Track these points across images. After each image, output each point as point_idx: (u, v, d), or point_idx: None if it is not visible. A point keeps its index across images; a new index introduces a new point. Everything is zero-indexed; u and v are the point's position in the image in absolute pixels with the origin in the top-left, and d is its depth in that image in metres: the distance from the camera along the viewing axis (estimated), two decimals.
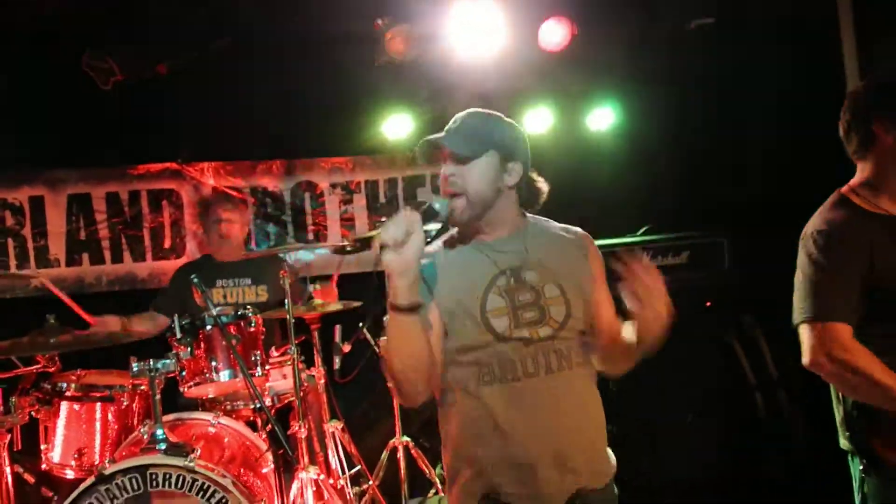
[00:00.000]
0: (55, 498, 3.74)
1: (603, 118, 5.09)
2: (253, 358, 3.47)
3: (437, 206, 2.03)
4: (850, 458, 2.38)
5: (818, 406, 2.71)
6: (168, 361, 3.13)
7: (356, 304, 3.83)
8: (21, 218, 4.95)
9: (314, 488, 3.51)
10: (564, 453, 2.02)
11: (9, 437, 3.66)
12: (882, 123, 2.32)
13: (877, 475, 2.28)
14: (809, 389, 2.84)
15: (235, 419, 3.66)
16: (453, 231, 2.17)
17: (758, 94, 4.54)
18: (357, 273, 5.27)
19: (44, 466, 3.85)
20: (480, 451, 2.04)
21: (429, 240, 1.99)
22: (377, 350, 3.96)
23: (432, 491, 4.17)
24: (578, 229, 2.22)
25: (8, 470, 3.51)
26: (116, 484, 2.90)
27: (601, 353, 2.14)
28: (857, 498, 2.36)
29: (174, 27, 4.26)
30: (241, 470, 3.32)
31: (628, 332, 2.07)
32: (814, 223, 2.37)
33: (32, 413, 3.53)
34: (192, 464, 2.92)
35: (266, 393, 3.63)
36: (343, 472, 3.96)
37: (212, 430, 3.50)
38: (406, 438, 4.08)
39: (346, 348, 3.71)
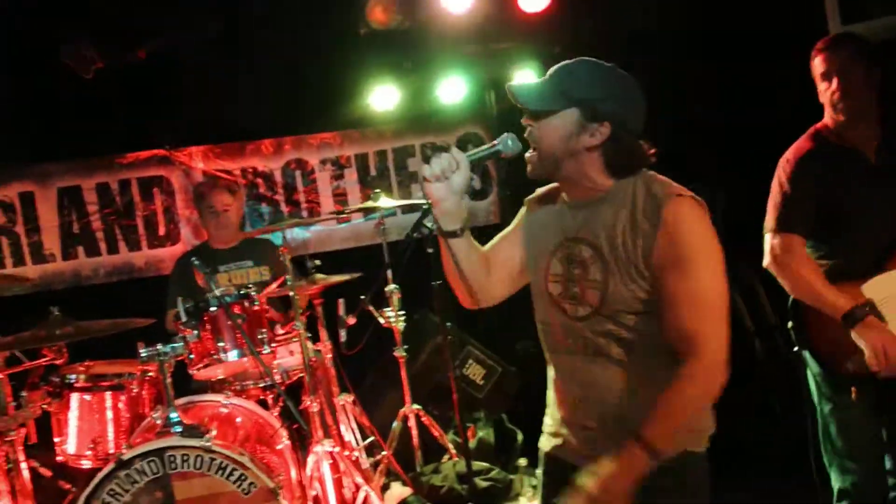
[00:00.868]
0: (73, 489, 3.76)
1: None
2: (259, 336, 3.48)
3: (501, 145, 1.99)
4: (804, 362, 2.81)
5: None
6: (177, 345, 3.14)
7: (357, 275, 3.84)
8: (13, 215, 4.92)
9: (330, 461, 3.55)
10: (613, 437, 1.88)
11: (24, 431, 3.68)
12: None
13: (823, 376, 2.74)
14: None
15: (246, 398, 3.69)
16: (551, 185, 2.13)
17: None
18: (355, 247, 5.31)
19: (59, 459, 3.88)
20: (549, 410, 2.12)
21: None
22: (380, 321, 3.99)
23: (446, 456, 4.22)
24: (672, 192, 1.87)
25: (24, 465, 3.53)
26: (136, 468, 2.92)
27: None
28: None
29: (155, 10, 4.22)
30: (257, 447, 3.35)
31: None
32: (788, 150, 2.76)
33: (44, 406, 3.54)
34: (209, 443, 2.94)
35: (275, 370, 3.65)
36: (357, 444, 4.01)
37: (224, 410, 3.52)
38: (416, 406, 4.12)
39: (351, 321, 3.71)
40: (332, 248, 5.25)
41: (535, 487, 3.78)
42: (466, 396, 4.56)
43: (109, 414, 3.57)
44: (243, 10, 4.53)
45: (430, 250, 3.37)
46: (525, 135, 1.97)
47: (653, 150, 1.96)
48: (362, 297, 3.80)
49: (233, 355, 3.42)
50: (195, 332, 3.38)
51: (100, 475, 2.94)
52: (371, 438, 4.14)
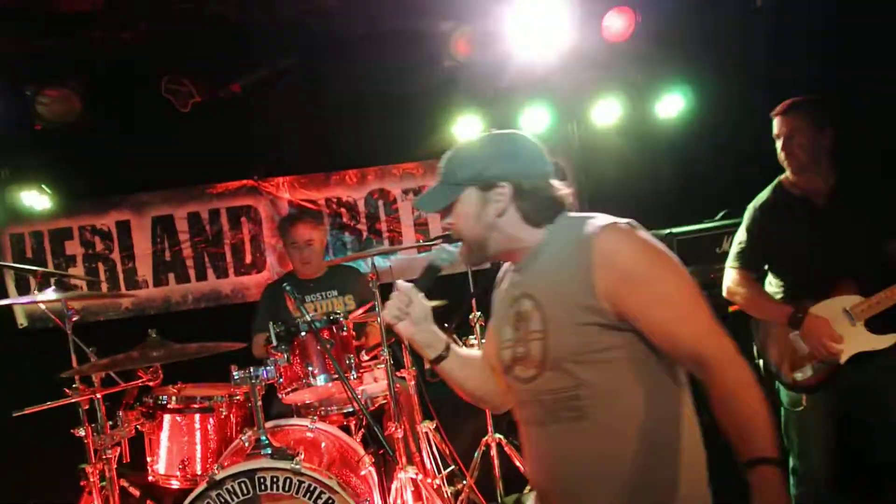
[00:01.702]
0: None
1: (672, 105, 5.03)
2: (347, 361, 3.52)
3: (438, 261, 2.05)
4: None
5: None
6: (269, 368, 3.21)
7: (441, 302, 3.84)
8: (109, 242, 5.15)
9: (413, 488, 3.55)
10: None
11: (118, 450, 3.80)
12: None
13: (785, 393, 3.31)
14: None
15: (329, 424, 3.72)
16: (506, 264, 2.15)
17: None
18: (441, 276, 5.33)
19: (150, 478, 3.98)
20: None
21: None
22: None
23: (528, 487, 4.16)
24: (598, 224, 1.83)
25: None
26: (227, 489, 2.97)
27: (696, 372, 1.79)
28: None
29: (248, 46, 4.37)
30: (342, 471, 3.37)
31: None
32: (755, 199, 3.37)
33: (138, 426, 3.66)
34: (298, 466, 2.97)
35: (360, 396, 3.67)
36: (438, 472, 3.99)
37: (309, 434, 3.56)
38: (498, 435, 4.09)
39: None
40: (413, 276, 5.28)
41: None
42: None
43: (198, 435, 3.67)
44: (330, 44, 4.65)
45: None
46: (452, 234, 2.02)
47: (569, 191, 1.98)
48: (446, 324, 3.82)
49: (321, 380, 3.47)
50: (285, 356, 3.43)
51: (192, 495, 3.01)
52: (453, 466, 4.12)
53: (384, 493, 3.47)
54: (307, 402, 3.75)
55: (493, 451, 4.09)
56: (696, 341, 1.74)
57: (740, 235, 3.37)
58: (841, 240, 3.08)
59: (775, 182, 3.33)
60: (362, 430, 3.87)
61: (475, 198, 1.93)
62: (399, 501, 3.53)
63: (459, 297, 3.96)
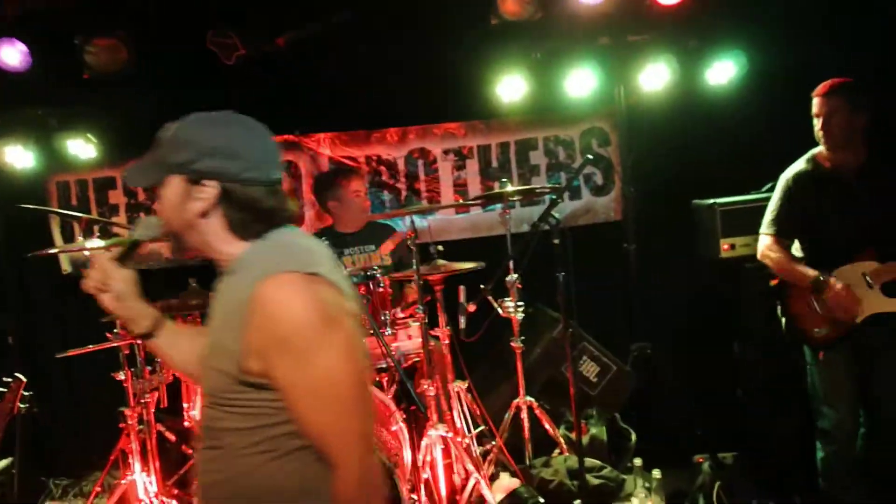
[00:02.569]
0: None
1: (723, 71, 4.90)
2: (382, 318, 3.54)
3: (137, 235, 1.89)
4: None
5: None
6: None
7: (480, 264, 3.84)
8: (151, 192, 5.18)
9: (442, 446, 3.58)
10: None
11: (156, 395, 3.89)
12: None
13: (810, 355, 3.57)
14: None
15: None
16: None
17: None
18: (472, 238, 5.33)
19: (186, 424, 4.07)
20: None
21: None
22: (499, 311, 3.98)
23: (556, 451, 4.17)
24: (269, 267, 1.61)
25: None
26: None
27: None
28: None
29: (297, 1, 4.35)
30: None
31: None
32: (788, 169, 3.61)
33: (175, 373, 3.73)
34: None
35: (394, 352, 3.70)
36: (468, 431, 4.02)
37: None
38: (529, 398, 4.10)
39: (472, 308, 3.74)
40: (450, 237, 5.28)
41: (648, 489, 3.69)
42: (579, 393, 4.49)
43: None
44: (375, 1, 4.60)
45: (555, 241, 3.37)
46: None
47: (293, 204, 1.80)
48: (482, 286, 3.83)
49: None
50: None
51: None
52: (483, 427, 4.14)
53: (414, 449, 3.51)
54: None
55: (524, 414, 4.09)
56: (324, 435, 1.60)
57: (774, 203, 3.63)
58: (865, 213, 3.41)
59: (810, 154, 3.58)
60: (395, 385, 3.91)
61: (180, 188, 1.70)
62: (428, 458, 3.58)
63: (496, 260, 3.94)
